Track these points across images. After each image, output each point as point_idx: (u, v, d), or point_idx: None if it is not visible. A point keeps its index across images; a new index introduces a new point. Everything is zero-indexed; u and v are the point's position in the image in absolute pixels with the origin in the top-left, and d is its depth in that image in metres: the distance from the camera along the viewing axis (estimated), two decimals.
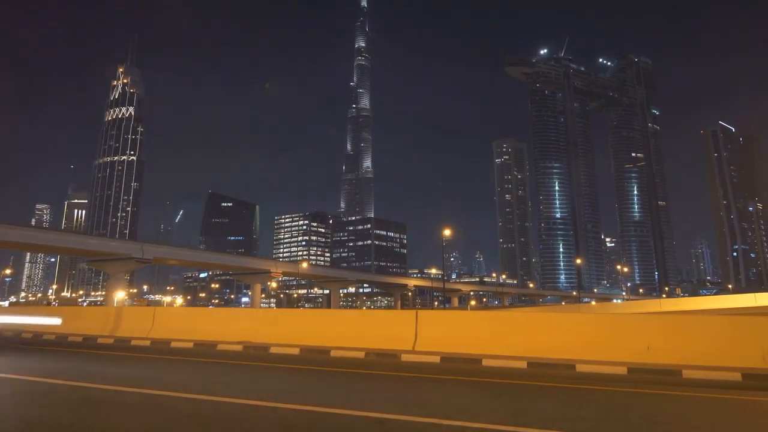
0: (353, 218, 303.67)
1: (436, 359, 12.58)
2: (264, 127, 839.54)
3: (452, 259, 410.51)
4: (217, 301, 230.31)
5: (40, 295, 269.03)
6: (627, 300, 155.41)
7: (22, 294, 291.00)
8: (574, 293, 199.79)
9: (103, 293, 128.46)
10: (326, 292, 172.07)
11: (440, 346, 13.15)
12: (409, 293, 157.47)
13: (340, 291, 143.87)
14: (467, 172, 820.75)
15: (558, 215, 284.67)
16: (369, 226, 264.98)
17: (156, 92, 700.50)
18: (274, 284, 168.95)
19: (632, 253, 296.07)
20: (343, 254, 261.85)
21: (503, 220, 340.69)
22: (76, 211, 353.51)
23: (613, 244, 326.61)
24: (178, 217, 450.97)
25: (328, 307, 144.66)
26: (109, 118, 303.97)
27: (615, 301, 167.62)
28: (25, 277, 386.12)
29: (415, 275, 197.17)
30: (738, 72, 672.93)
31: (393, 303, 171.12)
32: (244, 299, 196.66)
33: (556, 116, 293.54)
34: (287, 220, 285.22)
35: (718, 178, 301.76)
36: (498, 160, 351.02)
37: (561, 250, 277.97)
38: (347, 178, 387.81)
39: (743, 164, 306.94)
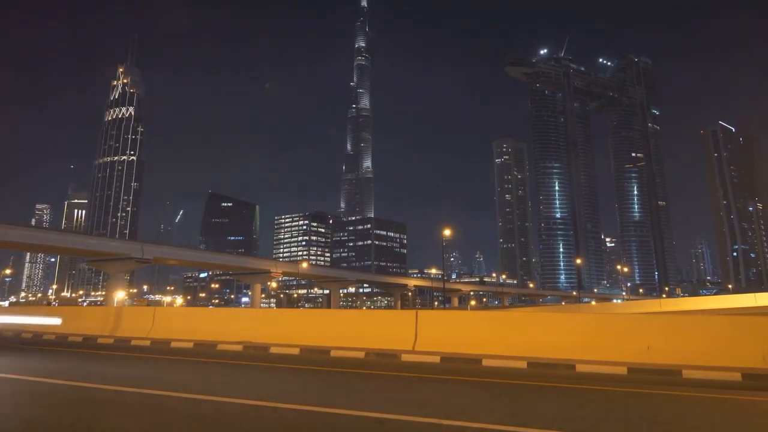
0: (353, 218, 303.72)
1: (436, 359, 12.58)
2: (264, 127, 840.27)
3: (452, 259, 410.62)
4: (217, 301, 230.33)
5: (40, 295, 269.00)
6: (627, 300, 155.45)
7: (22, 294, 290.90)
8: (574, 293, 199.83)
9: (103, 293, 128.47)
10: (326, 292, 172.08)
11: (440, 346, 13.16)
12: (409, 293, 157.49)
13: (340, 291, 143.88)
14: (467, 172, 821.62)
15: (558, 215, 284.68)
16: (369, 226, 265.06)
17: (156, 92, 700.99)
18: (274, 284, 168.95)
19: (632, 253, 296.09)
20: (343, 254, 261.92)
21: (503, 220, 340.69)
22: (76, 211, 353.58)
23: (613, 244, 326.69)
24: (178, 217, 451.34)
25: (328, 307, 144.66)
26: (109, 118, 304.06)
27: (615, 301, 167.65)
28: (25, 277, 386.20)
29: (415, 275, 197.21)
30: (738, 72, 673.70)
31: (393, 303, 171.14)
32: (244, 299, 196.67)
33: (556, 116, 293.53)
34: (287, 220, 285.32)
35: (718, 178, 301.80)
36: (498, 160, 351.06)
37: (561, 250, 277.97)
38: (347, 178, 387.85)
39: (743, 164, 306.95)
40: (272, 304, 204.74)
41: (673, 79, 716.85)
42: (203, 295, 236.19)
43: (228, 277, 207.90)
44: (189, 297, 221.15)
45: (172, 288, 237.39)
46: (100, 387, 8.88)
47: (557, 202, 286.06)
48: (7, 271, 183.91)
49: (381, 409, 7.10)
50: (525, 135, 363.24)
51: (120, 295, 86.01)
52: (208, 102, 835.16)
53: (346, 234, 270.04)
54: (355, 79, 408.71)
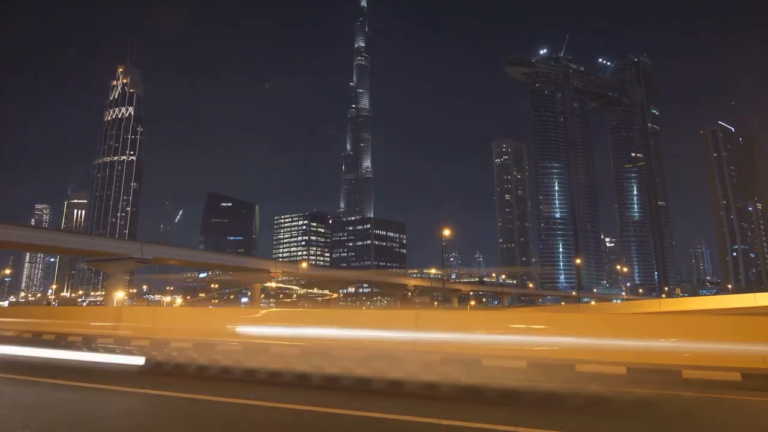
0: (353, 218, 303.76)
1: (436, 359, 12.56)
2: (264, 127, 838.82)
3: (452, 259, 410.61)
4: (216, 301, 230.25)
5: (39, 295, 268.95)
6: (626, 300, 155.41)
7: (22, 294, 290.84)
8: (574, 293, 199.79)
9: (103, 293, 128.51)
10: (326, 292, 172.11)
11: (440, 346, 13.14)
12: (409, 293, 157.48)
13: (340, 291, 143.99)
14: (467, 172, 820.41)
15: (558, 215, 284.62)
16: (368, 226, 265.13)
17: (156, 92, 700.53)
18: (273, 284, 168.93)
19: (632, 253, 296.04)
20: (343, 254, 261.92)
21: (503, 220, 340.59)
22: (75, 211, 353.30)
23: (612, 244, 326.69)
24: (178, 217, 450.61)
25: (328, 307, 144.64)
26: (109, 118, 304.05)
27: (614, 301, 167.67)
28: (24, 277, 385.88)
29: (414, 275, 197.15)
30: (738, 72, 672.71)
31: (392, 303, 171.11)
32: (244, 299, 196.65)
33: (555, 116, 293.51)
34: (287, 220, 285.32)
35: (718, 178, 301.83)
36: (498, 160, 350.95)
37: (560, 250, 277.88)
38: (347, 178, 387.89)
39: (743, 164, 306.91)
40: (272, 304, 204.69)
41: (673, 79, 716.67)
42: (203, 295, 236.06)
43: (228, 277, 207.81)
44: (189, 297, 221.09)
45: (172, 288, 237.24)
46: (100, 387, 8.87)
47: (557, 202, 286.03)
48: (7, 271, 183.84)
49: (381, 409, 7.10)
50: (525, 135, 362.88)
51: (119, 295, 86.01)
52: (208, 102, 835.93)
53: (345, 234, 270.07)
54: (354, 79, 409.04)
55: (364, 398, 8.35)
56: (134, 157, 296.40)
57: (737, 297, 62.50)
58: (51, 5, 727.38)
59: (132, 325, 18.80)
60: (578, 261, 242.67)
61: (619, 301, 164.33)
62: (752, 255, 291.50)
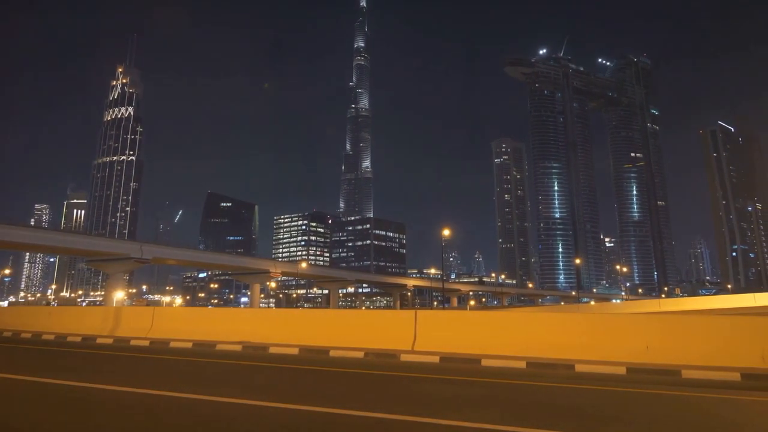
0: (352, 218, 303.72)
1: (436, 359, 12.58)
2: (263, 127, 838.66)
3: (451, 259, 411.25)
4: (216, 301, 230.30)
5: (39, 295, 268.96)
6: (626, 300, 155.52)
7: (21, 294, 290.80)
8: (573, 293, 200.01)
9: (102, 293, 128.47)
10: (325, 292, 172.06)
11: (439, 346, 13.16)
12: (408, 293, 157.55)
13: (339, 291, 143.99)
14: (467, 172, 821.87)
15: (557, 215, 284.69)
16: (368, 226, 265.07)
17: (155, 92, 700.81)
18: (273, 284, 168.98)
19: (631, 253, 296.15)
20: (343, 254, 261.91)
21: (502, 220, 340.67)
22: (75, 211, 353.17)
23: (612, 244, 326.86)
24: (177, 217, 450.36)
25: (327, 307, 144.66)
26: (109, 118, 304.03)
27: (614, 301, 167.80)
28: (24, 277, 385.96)
29: (414, 275, 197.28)
30: (738, 72, 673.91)
31: (392, 303, 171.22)
32: (243, 299, 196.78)
33: (555, 116, 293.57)
34: (286, 220, 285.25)
35: (718, 178, 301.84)
36: (497, 160, 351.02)
37: (560, 250, 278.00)
38: (346, 178, 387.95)
39: (742, 164, 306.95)
40: (271, 304, 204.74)
41: (673, 79, 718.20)
42: (202, 295, 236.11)
43: (227, 277, 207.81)
44: (188, 297, 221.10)
45: (171, 288, 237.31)
46: (97, 387, 8.86)
47: (556, 202, 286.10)
48: (6, 271, 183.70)
49: (381, 409, 7.10)
50: (524, 135, 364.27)
51: (119, 295, 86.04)
52: (208, 102, 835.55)
53: (345, 234, 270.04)
54: (354, 79, 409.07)
55: (364, 398, 8.36)
56: (134, 157, 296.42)
57: (737, 297, 62.60)
58: (51, 5, 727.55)
59: (131, 325, 18.80)
60: (578, 261, 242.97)
61: (618, 301, 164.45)
62: (752, 255, 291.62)
